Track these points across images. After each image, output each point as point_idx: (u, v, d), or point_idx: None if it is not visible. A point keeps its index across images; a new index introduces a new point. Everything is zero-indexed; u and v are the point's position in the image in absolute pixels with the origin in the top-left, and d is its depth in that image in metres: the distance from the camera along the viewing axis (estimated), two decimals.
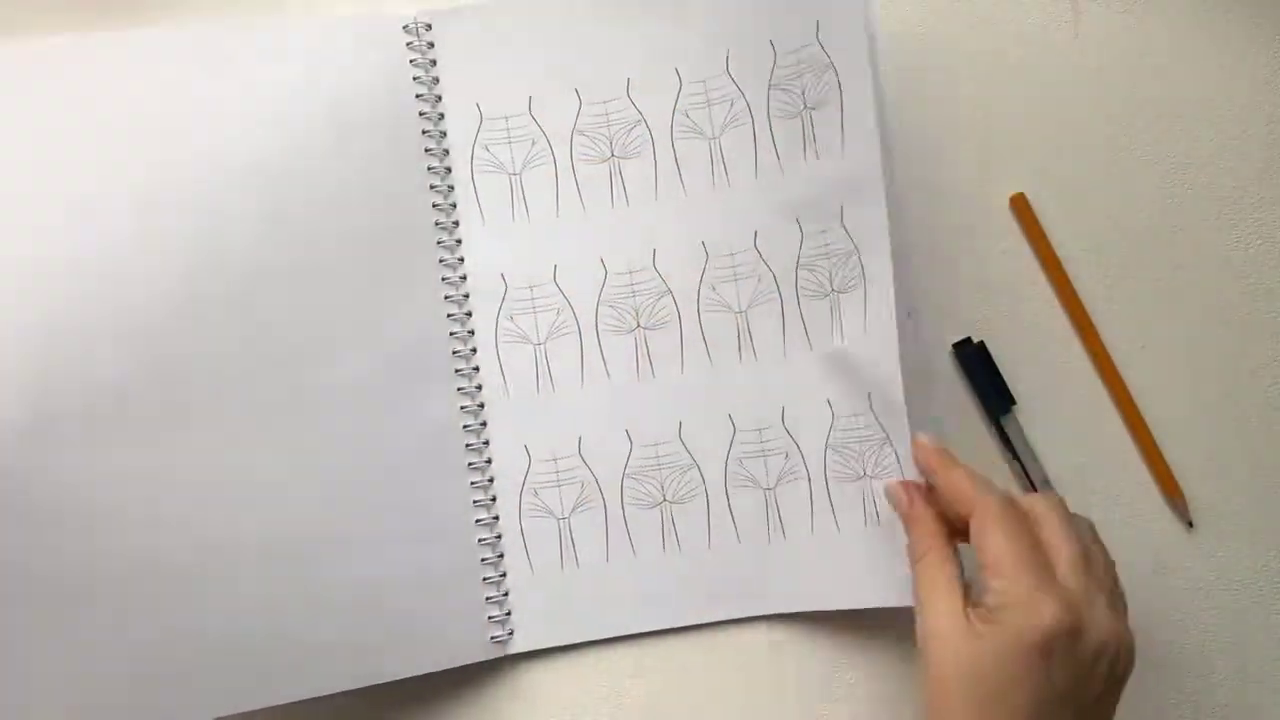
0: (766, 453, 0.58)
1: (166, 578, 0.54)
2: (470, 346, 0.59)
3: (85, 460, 0.54)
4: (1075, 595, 0.45)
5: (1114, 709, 0.47)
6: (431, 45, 0.61)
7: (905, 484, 0.52)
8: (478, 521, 0.57)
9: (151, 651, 0.53)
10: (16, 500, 0.53)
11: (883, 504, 0.55)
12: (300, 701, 0.54)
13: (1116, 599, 0.48)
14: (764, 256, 0.59)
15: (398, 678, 0.55)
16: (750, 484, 0.58)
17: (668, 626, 0.58)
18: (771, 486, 0.58)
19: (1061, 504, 0.49)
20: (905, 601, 0.52)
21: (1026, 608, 0.45)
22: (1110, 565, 0.49)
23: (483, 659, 0.56)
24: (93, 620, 0.53)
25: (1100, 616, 0.45)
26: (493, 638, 0.56)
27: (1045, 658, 0.44)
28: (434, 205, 0.59)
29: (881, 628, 0.57)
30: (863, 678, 0.57)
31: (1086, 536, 0.49)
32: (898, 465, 0.54)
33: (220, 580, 0.54)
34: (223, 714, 0.53)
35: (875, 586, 0.55)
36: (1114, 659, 0.45)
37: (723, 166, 0.60)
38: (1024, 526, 0.47)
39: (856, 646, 0.57)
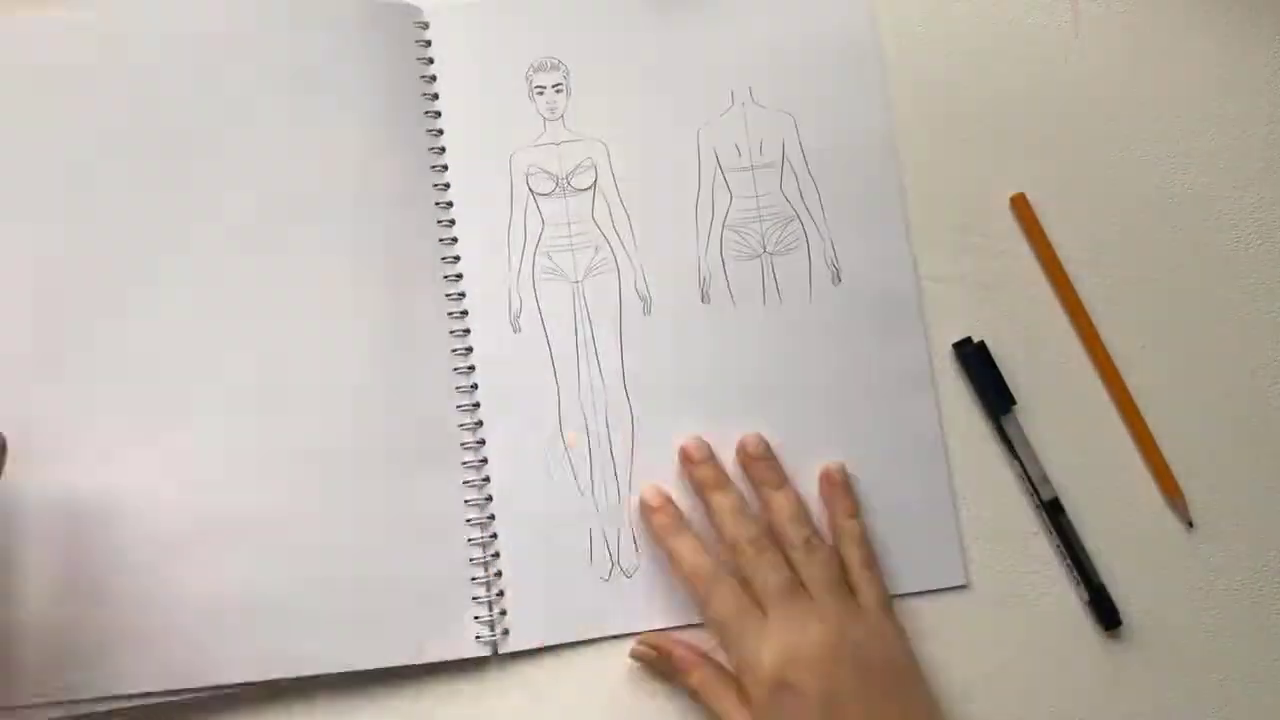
0: None
1: (164, 549, 0.55)
2: (466, 345, 0.58)
3: (90, 447, 0.56)
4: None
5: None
6: (429, 44, 0.61)
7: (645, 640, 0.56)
8: (469, 521, 0.57)
9: (146, 618, 0.55)
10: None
11: None
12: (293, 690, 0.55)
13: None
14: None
15: (390, 665, 0.55)
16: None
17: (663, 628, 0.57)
18: None
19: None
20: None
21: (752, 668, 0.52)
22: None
23: (471, 656, 0.56)
24: (92, 584, 0.55)
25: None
26: (477, 637, 0.56)
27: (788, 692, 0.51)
28: (435, 205, 0.59)
29: None
30: None
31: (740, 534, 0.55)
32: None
33: (207, 555, 0.55)
34: (209, 684, 0.54)
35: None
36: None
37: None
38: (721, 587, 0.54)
39: None
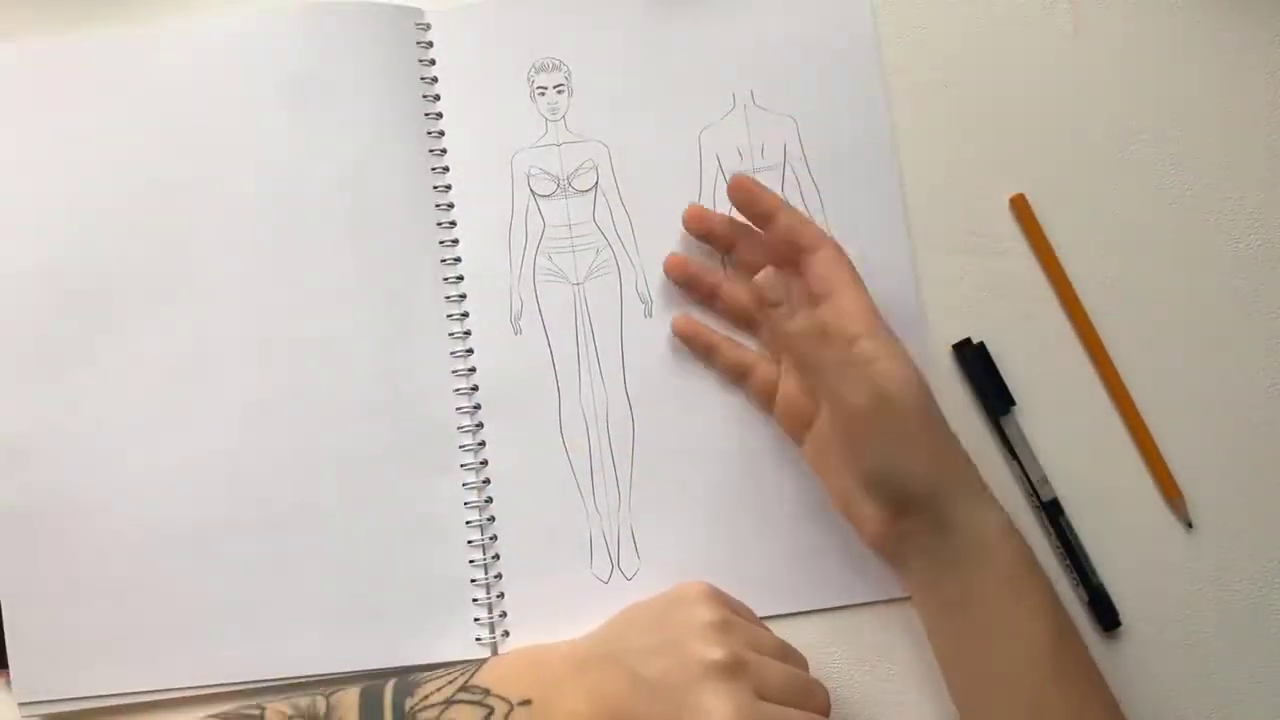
0: None
1: (163, 549, 0.56)
2: (466, 346, 0.59)
3: (92, 449, 0.57)
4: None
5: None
6: (430, 45, 0.61)
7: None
8: (469, 521, 0.57)
9: (145, 618, 0.56)
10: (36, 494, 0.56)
11: None
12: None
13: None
14: None
15: (391, 666, 0.56)
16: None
17: None
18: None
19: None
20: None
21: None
22: None
23: (471, 657, 0.56)
24: (91, 584, 0.56)
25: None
26: (477, 638, 0.56)
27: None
28: (436, 206, 0.59)
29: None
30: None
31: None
32: None
33: (207, 556, 0.56)
34: (209, 683, 0.55)
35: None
36: None
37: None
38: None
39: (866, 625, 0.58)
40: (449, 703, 0.49)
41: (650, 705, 0.48)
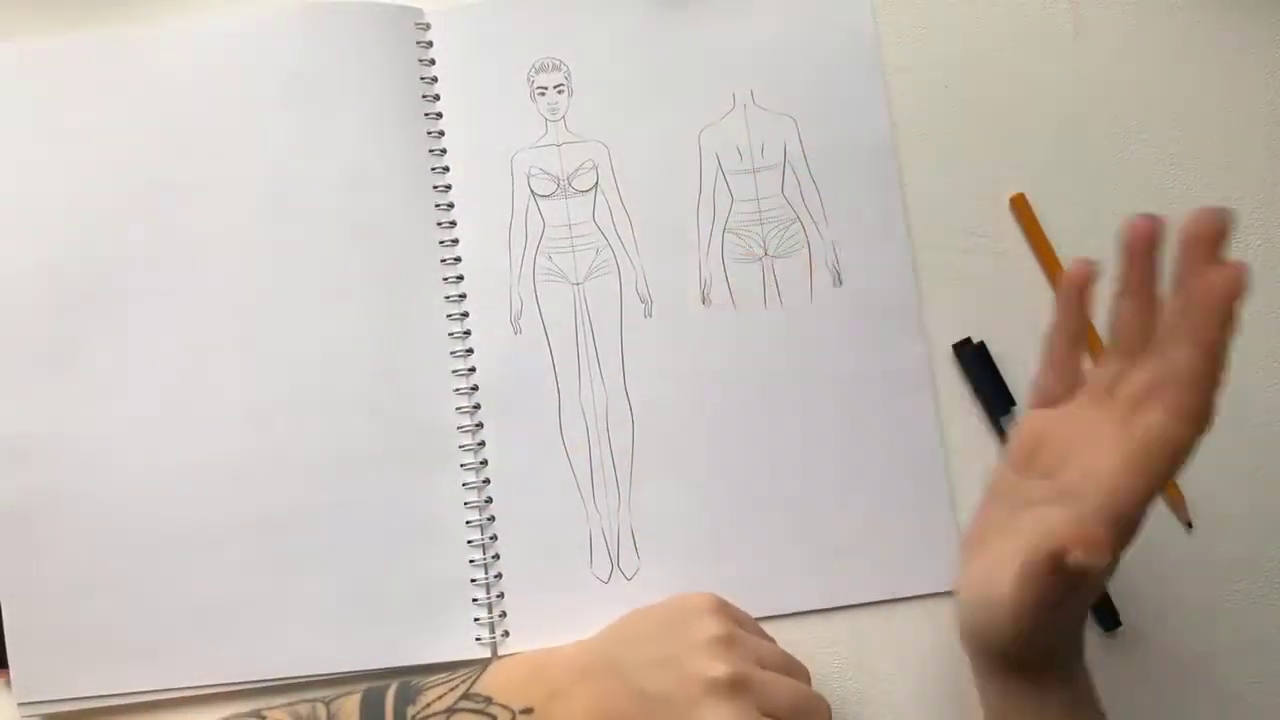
0: None
1: (163, 550, 0.56)
2: (466, 346, 0.59)
3: (91, 450, 0.57)
4: None
5: None
6: (430, 45, 0.61)
7: None
8: (469, 521, 0.57)
9: (145, 618, 0.56)
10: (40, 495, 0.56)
11: None
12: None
13: None
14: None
15: (391, 666, 0.56)
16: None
17: None
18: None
19: None
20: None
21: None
22: None
23: (471, 657, 0.56)
24: (91, 585, 0.56)
25: None
26: (477, 638, 0.56)
27: None
28: (436, 206, 0.59)
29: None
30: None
31: None
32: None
33: (207, 556, 0.56)
34: (209, 683, 0.55)
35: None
36: None
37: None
38: None
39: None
40: (451, 711, 0.49)
41: (651, 719, 0.48)
